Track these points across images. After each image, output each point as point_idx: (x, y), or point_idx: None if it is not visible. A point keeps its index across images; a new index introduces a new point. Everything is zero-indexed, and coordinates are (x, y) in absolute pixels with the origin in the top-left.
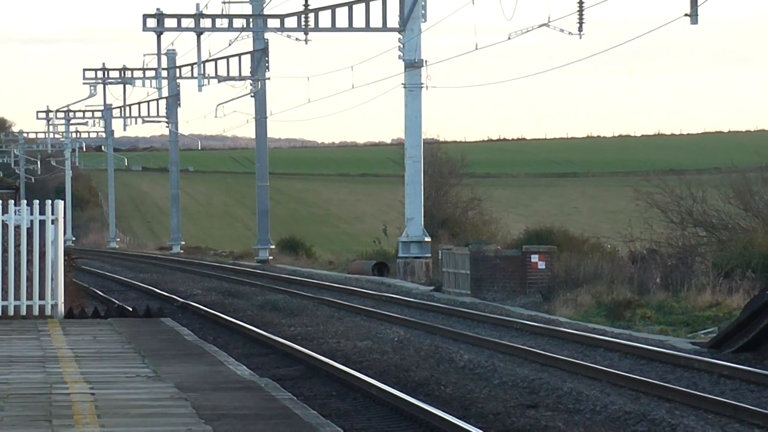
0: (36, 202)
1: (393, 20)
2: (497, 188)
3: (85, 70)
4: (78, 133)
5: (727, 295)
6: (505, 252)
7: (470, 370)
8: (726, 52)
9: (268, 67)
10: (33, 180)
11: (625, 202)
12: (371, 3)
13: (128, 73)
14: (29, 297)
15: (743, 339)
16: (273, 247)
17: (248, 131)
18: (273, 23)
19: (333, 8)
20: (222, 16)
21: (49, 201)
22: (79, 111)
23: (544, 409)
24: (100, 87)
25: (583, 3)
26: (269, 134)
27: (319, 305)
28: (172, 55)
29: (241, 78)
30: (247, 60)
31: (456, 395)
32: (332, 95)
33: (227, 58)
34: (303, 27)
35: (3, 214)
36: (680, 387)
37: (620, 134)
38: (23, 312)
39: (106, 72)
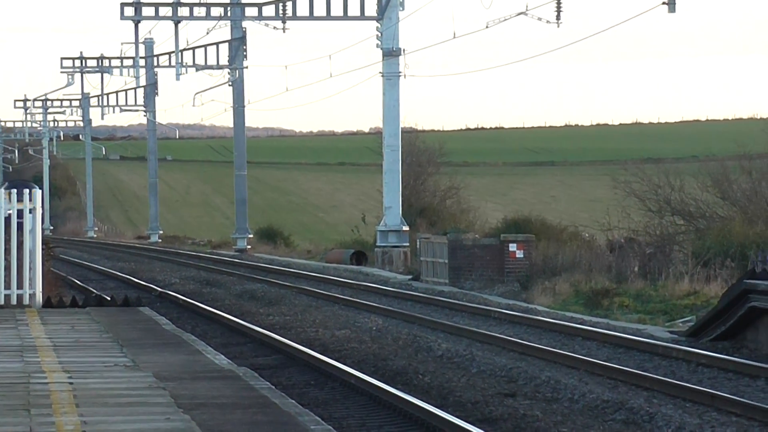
0: (14, 190)
1: (371, 9)
2: (475, 177)
3: (62, 58)
4: (56, 122)
5: (704, 284)
6: (483, 241)
7: (448, 359)
8: (704, 41)
9: (245, 56)
10: (10, 169)
11: (603, 190)
12: None
13: (106, 62)
14: (7, 286)
15: (721, 327)
16: (251, 236)
17: (226, 120)
18: (251, 12)
19: None
20: (200, 4)
21: (27, 190)
22: (57, 100)
23: (522, 398)
24: (77, 76)
25: None
26: (247, 123)
27: (297, 294)
28: (149, 43)
29: (218, 67)
30: (224, 49)
31: (434, 384)
32: (310, 84)
33: (205, 46)
34: (281, 15)
35: None
36: (658, 375)
37: (598, 123)
38: (1, 301)
39: (83, 61)
